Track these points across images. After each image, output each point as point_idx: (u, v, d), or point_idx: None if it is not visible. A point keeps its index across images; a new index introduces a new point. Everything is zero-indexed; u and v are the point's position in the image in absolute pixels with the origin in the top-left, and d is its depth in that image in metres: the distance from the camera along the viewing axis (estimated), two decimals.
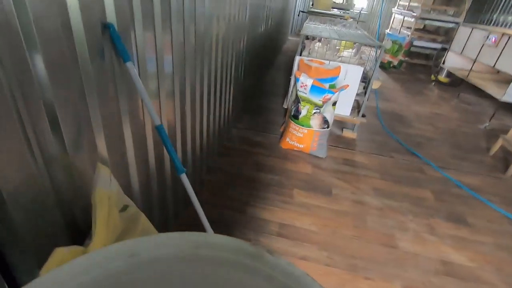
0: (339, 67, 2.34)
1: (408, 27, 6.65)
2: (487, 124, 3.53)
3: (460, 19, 6.07)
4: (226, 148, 2.36)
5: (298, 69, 2.42)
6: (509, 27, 5.37)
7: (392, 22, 8.13)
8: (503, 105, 3.79)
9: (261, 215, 1.74)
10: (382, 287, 1.42)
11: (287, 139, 2.41)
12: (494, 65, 3.63)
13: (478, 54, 4.01)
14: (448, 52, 4.85)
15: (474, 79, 4.06)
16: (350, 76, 2.56)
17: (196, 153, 1.67)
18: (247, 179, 2.03)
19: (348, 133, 2.84)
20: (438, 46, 6.24)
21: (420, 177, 2.34)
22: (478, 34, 4.08)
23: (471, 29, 4.32)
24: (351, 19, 4.51)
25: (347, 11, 5.48)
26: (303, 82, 2.21)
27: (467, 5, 6.00)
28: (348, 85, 2.23)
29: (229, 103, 2.34)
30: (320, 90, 2.18)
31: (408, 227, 1.80)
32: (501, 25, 5.62)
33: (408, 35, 6.47)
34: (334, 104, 2.24)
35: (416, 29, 6.88)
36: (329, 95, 2.17)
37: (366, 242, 1.65)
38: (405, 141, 2.89)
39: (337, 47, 3.10)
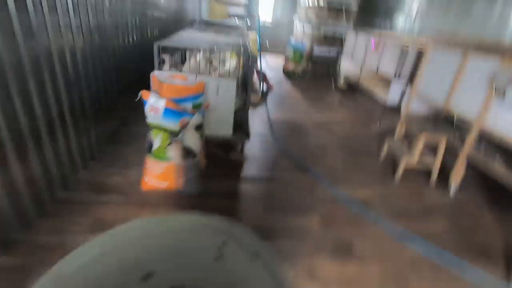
0: (202, 83, 1.94)
1: (309, 36, 6.86)
2: (378, 126, 3.60)
3: (350, 26, 6.51)
4: (55, 204, 1.72)
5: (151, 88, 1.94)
6: (389, 30, 5.93)
7: (296, 30, 8.41)
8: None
9: None
10: None
11: (146, 179, 1.89)
12: (378, 69, 3.75)
13: (364, 58, 4.15)
14: (341, 59, 5.02)
15: (365, 84, 4.19)
16: (224, 92, 2.19)
17: None
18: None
19: (234, 155, 2.46)
20: (336, 53, 6.57)
21: (309, 200, 2.06)
22: (362, 38, 4.24)
23: (355, 34, 4.50)
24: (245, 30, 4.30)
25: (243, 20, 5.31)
26: (153, 105, 1.73)
27: (355, 13, 6.47)
28: (208, 104, 1.83)
29: (71, 138, 1.73)
30: (176, 113, 1.74)
31: None
32: (382, 29, 6.16)
33: (308, 43, 6.66)
34: (199, 128, 1.82)
35: (315, 38, 7.19)
36: (187, 119, 1.74)
37: None
38: (299, 153, 2.66)
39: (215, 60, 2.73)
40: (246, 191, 2.06)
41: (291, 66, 6.05)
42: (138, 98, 1.74)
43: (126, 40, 2.71)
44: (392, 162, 2.74)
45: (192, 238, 0.65)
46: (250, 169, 2.35)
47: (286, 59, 6.16)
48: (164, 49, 2.12)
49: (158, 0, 3.77)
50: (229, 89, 2.17)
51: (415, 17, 5.01)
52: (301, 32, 7.62)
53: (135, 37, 2.94)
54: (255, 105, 2.86)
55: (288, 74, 6.14)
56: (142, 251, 0.62)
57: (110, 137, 2.48)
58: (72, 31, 1.83)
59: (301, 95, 4.77)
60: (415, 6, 5.05)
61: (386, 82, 4.10)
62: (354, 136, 3.31)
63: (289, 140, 2.97)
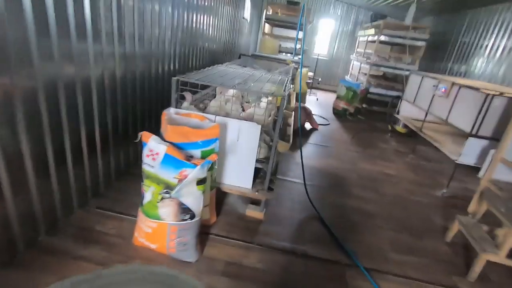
0: (216, 126, 1.62)
1: (366, 74, 6.35)
2: (445, 190, 2.86)
3: (415, 67, 5.83)
4: (33, 251, 1.48)
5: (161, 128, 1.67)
6: (462, 76, 5.11)
7: (352, 69, 7.95)
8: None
9: None
10: None
11: (136, 234, 1.57)
12: (447, 119, 3.07)
13: (430, 104, 3.49)
14: (402, 101, 4.38)
15: (429, 133, 3.49)
16: (246, 137, 1.84)
17: None
18: None
19: (253, 212, 2.04)
20: (396, 94, 5.89)
21: None
22: (428, 83, 3.61)
23: (421, 78, 3.88)
24: (293, 64, 4.02)
25: (294, 56, 5.07)
26: (153, 149, 1.45)
27: (421, 53, 5.81)
28: (215, 156, 1.48)
29: (70, 172, 1.53)
30: (177, 162, 1.42)
31: None
32: (454, 75, 5.36)
33: (364, 82, 6.13)
34: (201, 182, 1.46)
35: (374, 76, 6.62)
36: (188, 170, 1.41)
37: None
38: (335, 220, 2.12)
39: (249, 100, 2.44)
40: (252, 268, 1.60)
41: (342, 105, 5.55)
42: (138, 139, 1.47)
43: (160, 70, 2.59)
44: (464, 247, 2.02)
45: None
46: (267, 233, 1.89)
47: (338, 98, 5.70)
48: (186, 84, 1.88)
49: (207, 31, 3.73)
50: (252, 134, 1.82)
51: (500, 62, 4.20)
52: (357, 69, 7.14)
53: (172, 67, 2.83)
54: (284, 152, 2.48)
55: (338, 113, 5.64)
56: None
57: (124, 171, 2.28)
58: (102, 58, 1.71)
59: (349, 138, 4.21)
60: (500, 50, 4.26)
61: (458, 136, 3.35)
62: (411, 201, 2.64)
63: (324, 198, 2.45)
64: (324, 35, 8.83)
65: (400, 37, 5.73)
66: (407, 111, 4.32)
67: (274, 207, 2.19)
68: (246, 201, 2.13)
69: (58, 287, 0.57)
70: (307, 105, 5.84)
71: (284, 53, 5.95)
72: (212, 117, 1.82)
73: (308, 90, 7.41)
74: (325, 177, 2.85)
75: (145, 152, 1.46)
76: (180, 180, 1.42)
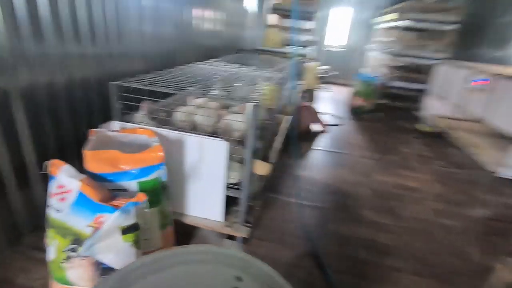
0: (158, 147, 1.19)
1: (386, 66, 5.66)
2: (484, 211, 2.26)
3: (444, 56, 5.07)
4: None
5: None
6: (504, 65, 4.31)
7: (370, 61, 7.23)
8: None
9: None
10: None
11: None
12: (485, 118, 2.45)
13: (462, 100, 2.86)
14: (427, 96, 3.74)
15: (461, 135, 2.87)
16: (210, 156, 1.40)
17: None
18: None
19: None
20: (421, 87, 5.18)
21: None
22: (460, 74, 2.97)
23: (452, 67, 3.23)
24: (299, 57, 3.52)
25: (304, 48, 4.54)
26: (63, 185, 1.04)
27: (451, 38, 5.04)
28: (144, 196, 1.04)
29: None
30: (92, 205, 1.01)
31: None
32: (492, 63, 4.57)
33: (383, 75, 5.46)
34: (130, 231, 1.04)
35: (395, 68, 5.90)
36: (105, 216, 0.99)
37: None
38: (338, 259, 1.63)
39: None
40: None
41: (359, 102, 4.94)
42: (42, 171, 1.07)
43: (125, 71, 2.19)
44: None
45: (205, 271, 0.64)
46: None
47: (354, 94, 5.09)
48: (136, 91, 1.46)
49: (201, 24, 3.29)
50: (218, 153, 1.37)
51: None
52: (376, 61, 6.43)
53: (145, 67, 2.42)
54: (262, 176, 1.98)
55: (355, 111, 5.03)
56: (154, 285, 0.60)
57: None
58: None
59: (365, 141, 3.64)
60: None
61: (499, 139, 2.70)
62: (439, 226, 2.08)
63: (326, 226, 1.96)
64: (340, 24, 8.13)
65: (426, 20, 4.99)
66: (434, 108, 3.68)
67: (257, 241, 1.73)
68: (222, 234, 1.69)
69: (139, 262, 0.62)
70: (318, 102, 5.28)
71: (293, 46, 5.41)
72: (166, 132, 1.39)
73: (322, 86, 6.82)
74: (330, 195, 2.35)
75: (52, 189, 1.06)
76: (96, 228, 1.00)
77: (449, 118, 3.55)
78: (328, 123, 4.16)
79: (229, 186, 1.49)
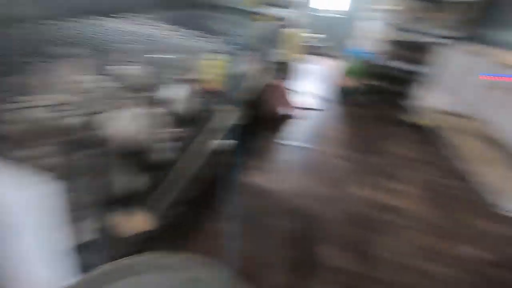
0: None
1: (385, 40, 4.85)
2: (483, 251, 1.70)
3: (456, 34, 4.27)
4: None
5: None
6: None
7: (365, 33, 6.31)
8: None
9: None
10: None
11: None
12: (492, 126, 1.82)
13: (468, 95, 2.19)
14: (426, 83, 3.06)
15: (461, 142, 2.26)
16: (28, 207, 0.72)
17: None
18: None
19: None
20: (421, 70, 4.46)
21: None
22: (470, 60, 2.26)
23: (461, 52, 2.52)
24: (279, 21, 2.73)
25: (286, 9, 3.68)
26: None
27: (470, 12, 4.20)
28: None
29: None
30: None
31: None
32: None
33: (379, 51, 4.67)
34: None
35: (395, 43, 5.09)
36: None
37: None
38: None
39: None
40: None
41: (349, 82, 4.22)
42: None
43: None
44: None
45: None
46: None
47: (344, 71, 4.34)
48: None
49: None
50: (41, 200, 0.69)
51: None
52: (372, 34, 5.57)
53: None
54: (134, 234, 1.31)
55: (344, 92, 4.31)
56: None
57: None
58: None
59: (345, 133, 2.99)
60: None
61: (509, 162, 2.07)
62: (426, 279, 1.52)
63: (265, 278, 1.36)
64: None
65: None
66: (432, 98, 3.02)
67: None
68: None
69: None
70: (299, 79, 4.52)
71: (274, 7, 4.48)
72: None
73: (309, 58, 5.99)
74: (282, 217, 1.73)
75: None
76: None
77: (449, 114, 2.91)
78: (306, 106, 3.46)
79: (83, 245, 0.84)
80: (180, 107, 1.41)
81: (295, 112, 3.23)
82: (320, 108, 3.60)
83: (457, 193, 2.34)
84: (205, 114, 1.55)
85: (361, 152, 2.68)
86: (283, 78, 4.37)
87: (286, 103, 3.20)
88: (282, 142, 2.63)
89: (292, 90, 3.30)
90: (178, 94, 1.36)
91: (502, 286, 1.55)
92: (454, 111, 2.87)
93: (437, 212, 2.05)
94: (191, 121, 1.46)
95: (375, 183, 2.26)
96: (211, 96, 1.70)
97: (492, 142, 2.39)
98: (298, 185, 2.04)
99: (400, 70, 4.64)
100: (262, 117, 2.94)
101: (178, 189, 1.39)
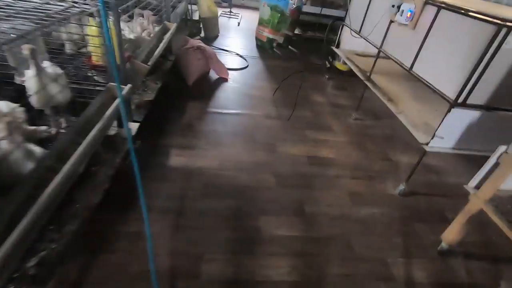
0: None
1: None
2: (403, 187, 1.84)
3: None
4: None
5: None
6: None
7: None
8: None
9: None
10: None
11: None
12: (411, 67, 1.88)
13: (384, 39, 2.23)
14: (343, 28, 3.05)
15: (382, 84, 2.34)
16: None
17: None
18: None
19: None
20: (338, 14, 4.47)
21: None
22: (383, 2, 2.25)
23: None
24: None
25: None
26: None
27: None
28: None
29: None
30: None
31: None
32: None
33: None
34: None
35: None
36: None
37: None
38: None
39: None
40: None
41: (266, 34, 4.01)
42: None
43: None
44: None
45: None
46: None
47: (260, 23, 4.09)
48: None
49: None
50: None
51: None
52: None
53: None
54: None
55: (262, 46, 4.12)
56: None
57: None
58: None
59: (272, 90, 2.89)
60: None
61: (431, 101, 2.20)
62: (357, 225, 1.59)
63: (199, 261, 1.24)
64: None
65: None
66: (350, 43, 3.04)
67: None
68: None
69: None
70: (220, 36, 4.16)
71: None
72: None
73: (227, 12, 5.54)
74: (212, 200, 1.59)
75: None
76: None
77: (366, 56, 2.99)
78: (230, 66, 3.22)
79: None
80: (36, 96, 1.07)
81: (222, 74, 2.98)
82: (244, 66, 3.38)
83: (376, 132, 2.49)
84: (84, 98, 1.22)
85: (288, 107, 2.62)
86: (202, 38, 3.95)
87: (215, 67, 2.91)
88: (209, 110, 2.41)
89: (214, 49, 2.98)
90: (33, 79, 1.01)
91: (416, 217, 1.72)
92: (369, 53, 2.95)
93: (361, 155, 2.15)
94: (66, 109, 1.14)
95: (305, 137, 2.25)
96: (98, 73, 1.35)
97: (404, 78, 2.54)
98: (228, 158, 1.89)
99: (316, 15, 4.59)
100: (184, 85, 2.63)
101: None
